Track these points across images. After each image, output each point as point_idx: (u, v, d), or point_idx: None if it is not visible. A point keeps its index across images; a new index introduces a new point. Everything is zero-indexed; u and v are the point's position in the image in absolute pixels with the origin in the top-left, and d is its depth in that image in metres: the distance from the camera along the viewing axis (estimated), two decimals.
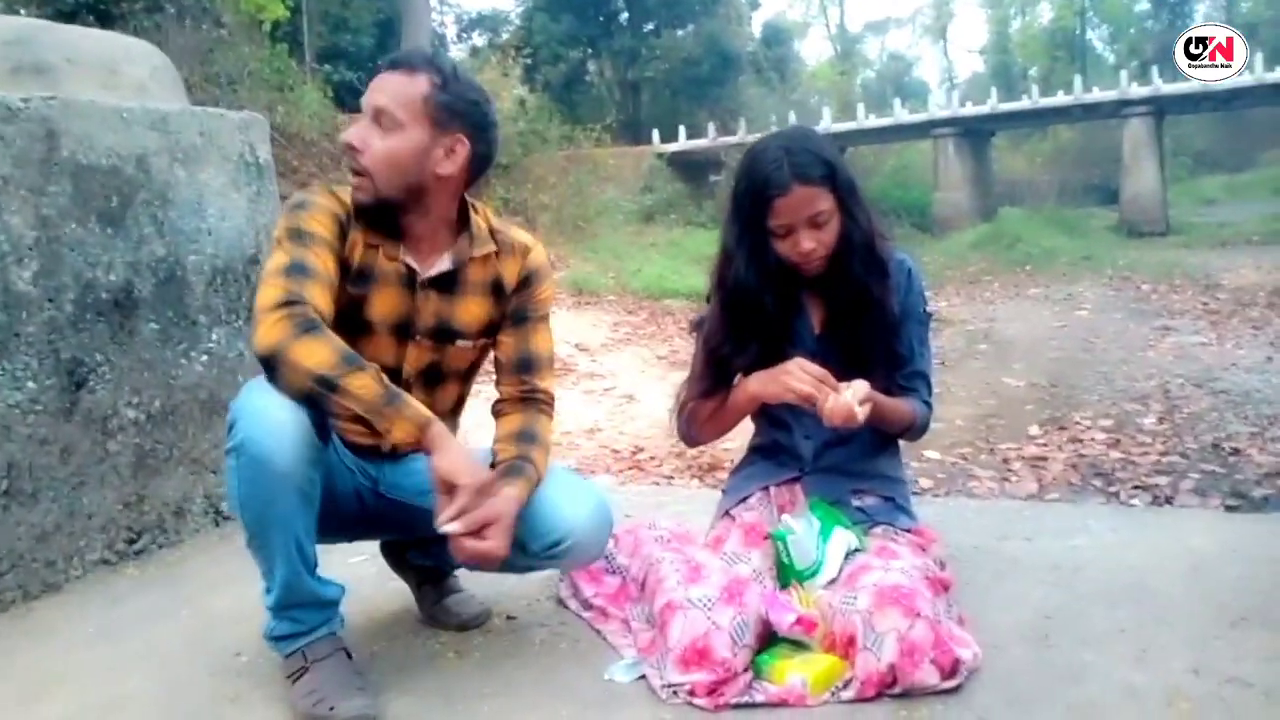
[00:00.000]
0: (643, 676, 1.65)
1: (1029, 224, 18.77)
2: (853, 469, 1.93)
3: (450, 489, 1.54)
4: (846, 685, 1.55)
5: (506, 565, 1.80)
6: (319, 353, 1.50)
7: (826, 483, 1.92)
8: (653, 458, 6.22)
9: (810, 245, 1.76)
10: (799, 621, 1.60)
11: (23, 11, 9.81)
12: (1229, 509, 4.98)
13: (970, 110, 23.92)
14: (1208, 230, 19.41)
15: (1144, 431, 6.58)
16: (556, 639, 1.86)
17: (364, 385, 1.50)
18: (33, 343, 2.23)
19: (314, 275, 1.59)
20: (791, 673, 1.55)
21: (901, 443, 2.00)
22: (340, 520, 1.76)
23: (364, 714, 1.59)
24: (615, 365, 8.95)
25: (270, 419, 1.50)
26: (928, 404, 1.95)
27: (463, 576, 2.00)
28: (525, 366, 1.83)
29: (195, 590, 2.25)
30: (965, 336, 9.52)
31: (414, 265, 1.74)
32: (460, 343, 1.80)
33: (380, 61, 1.71)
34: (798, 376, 1.74)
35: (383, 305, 1.73)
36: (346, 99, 17.39)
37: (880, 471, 1.97)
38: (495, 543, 1.55)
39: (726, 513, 1.96)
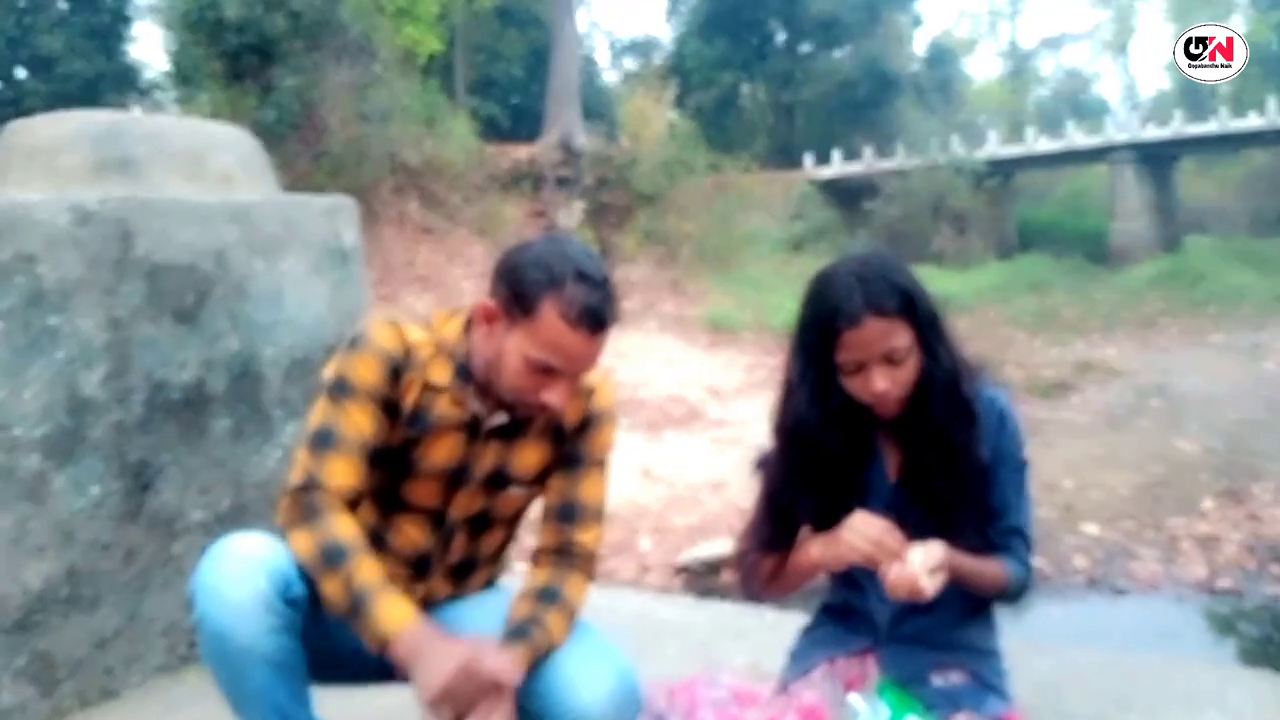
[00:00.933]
0: None
1: (1215, 257, 17.34)
2: (937, 639, 1.66)
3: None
4: None
5: None
6: (305, 545, 1.46)
7: (904, 656, 1.65)
8: None
9: (884, 385, 1.53)
10: None
11: (187, 50, 10.35)
12: None
13: (1151, 134, 22.42)
14: None
15: None
16: None
17: (332, 590, 1.44)
18: (99, 446, 2.21)
19: (339, 445, 1.52)
20: None
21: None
22: (356, 670, 1.63)
23: None
24: (747, 412, 8.69)
25: (225, 593, 1.44)
26: (1025, 564, 1.65)
27: None
28: (568, 515, 1.67)
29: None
30: (1135, 390, 8.81)
31: (480, 413, 1.60)
32: (513, 489, 1.67)
33: None
34: (854, 536, 1.51)
35: (438, 453, 1.60)
36: (495, 130, 17.86)
37: (969, 643, 1.68)
38: None
39: (786, 685, 1.71)
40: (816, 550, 1.60)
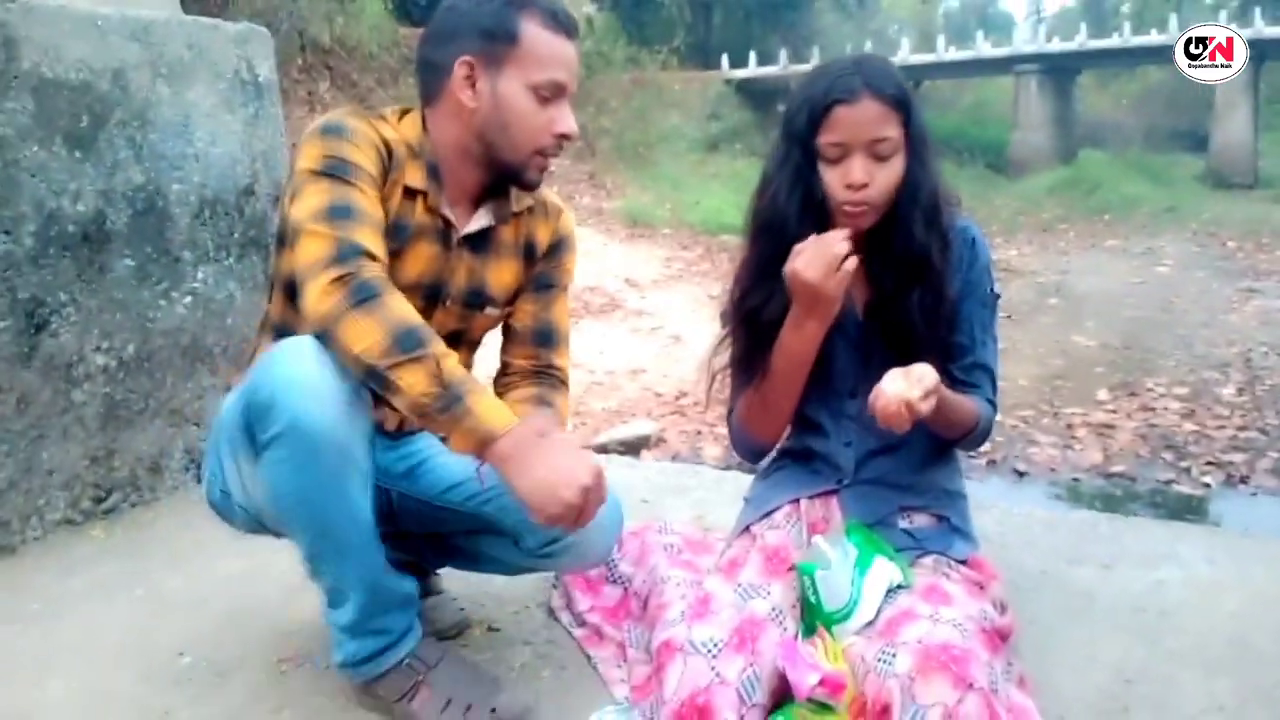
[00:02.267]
0: None
1: (1110, 169, 17.84)
2: (901, 482, 1.60)
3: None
4: None
5: (496, 565, 1.61)
6: (369, 334, 1.21)
7: (869, 498, 1.59)
8: (696, 403, 5.97)
9: (863, 177, 1.41)
10: (823, 682, 1.30)
11: None
12: None
13: (1057, 46, 22.70)
14: None
15: (1221, 403, 6.18)
16: (540, 664, 1.59)
17: (415, 381, 1.21)
18: None
19: (364, 218, 1.31)
20: None
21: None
22: None
23: (527, 705, 1.43)
24: (665, 303, 8.66)
25: (321, 389, 1.23)
26: (992, 404, 1.59)
27: (444, 575, 1.75)
28: (544, 339, 1.60)
29: (158, 563, 2.03)
30: (1035, 289, 9.05)
31: (451, 218, 1.46)
32: (489, 310, 1.56)
33: None
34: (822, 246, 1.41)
35: (416, 264, 1.45)
36: (410, 13, 16.99)
37: (935, 485, 1.64)
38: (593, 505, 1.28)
39: (747, 528, 1.65)
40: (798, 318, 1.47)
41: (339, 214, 1.29)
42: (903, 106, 1.43)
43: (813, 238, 1.43)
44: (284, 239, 1.38)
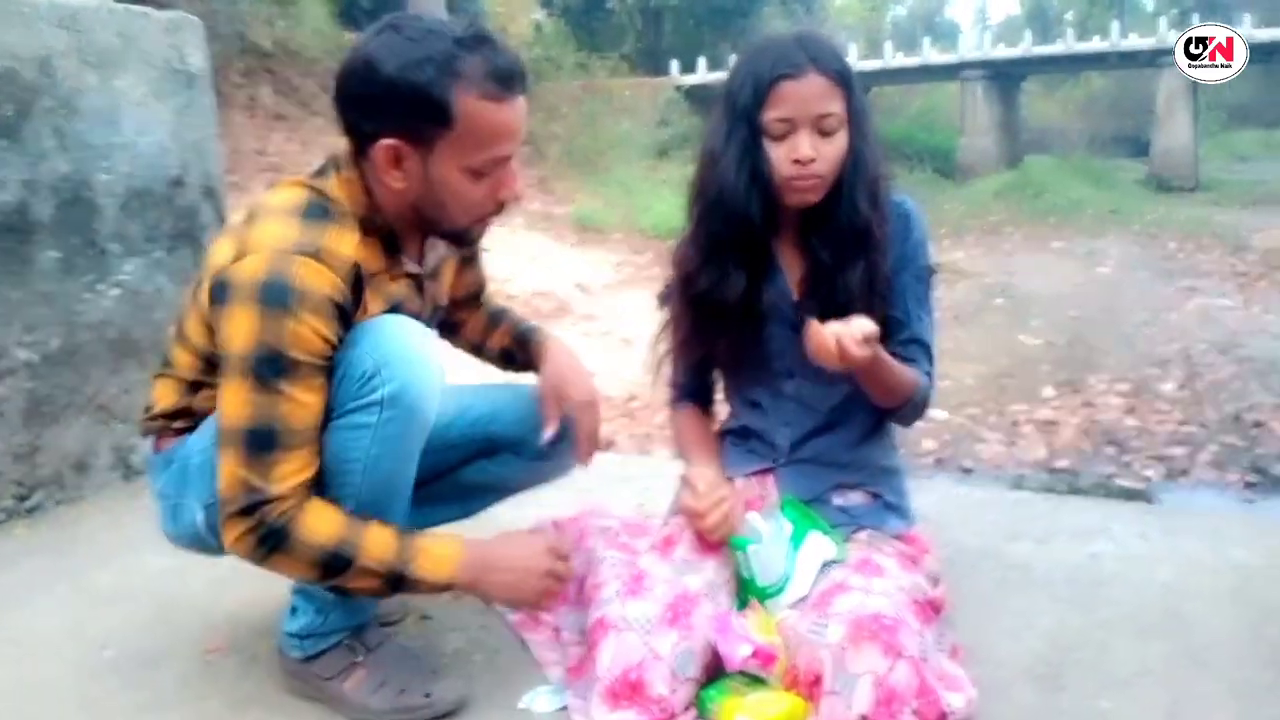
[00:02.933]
0: (565, 707, 1.37)
1: (1055, 173, 18.15)
2: (837, 460, 1.60)
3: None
4: None
5: (494, 491, 1.67)
6: (296, 569, 1.27)
7: (805, 476, 1.59)
8: (646, 406, 5.95)
9: (810, 152, 1.41)
10: (755, 654, 1.30)
11: None
12: (1249, 485, 4.70)
13: (1002, 53, 23.07)
14: (1239, 187, 18.74)
15: (1162, 398, 6.29)
16: (473, 649, 1.57)
17: (364, 585, 1.28)
18: None
19: (283, 442, 1.23)
20: (741, 715, 1.27)
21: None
22: None
23: (463, 692, 1.41)
24: (615, 307, 8.64)
25: (429, 365, 1.28)
26: (929, 375, 1.58)
27: None
28: (478, 297, 1.69)
29: (83, 560, 1.98)
30: (982, 290, 9.16)
31: (417, 270, 1.43)
32: (440, 312, 1.58)
33: None
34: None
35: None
36: (354, 17, 16.84)
37: (871, 462, 1.63)
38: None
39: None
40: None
41: (257, 443, 1.22)
42: (846, 82, 1.42)
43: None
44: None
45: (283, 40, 12.75)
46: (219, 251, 1.27)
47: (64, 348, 2.22)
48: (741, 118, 1.44)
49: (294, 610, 1.41)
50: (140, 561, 1.91)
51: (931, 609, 1.43)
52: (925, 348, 1.58)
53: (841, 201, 1.46)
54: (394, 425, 1.25)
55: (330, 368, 1.24)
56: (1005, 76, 22.82)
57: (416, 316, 1.40)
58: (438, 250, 1.49)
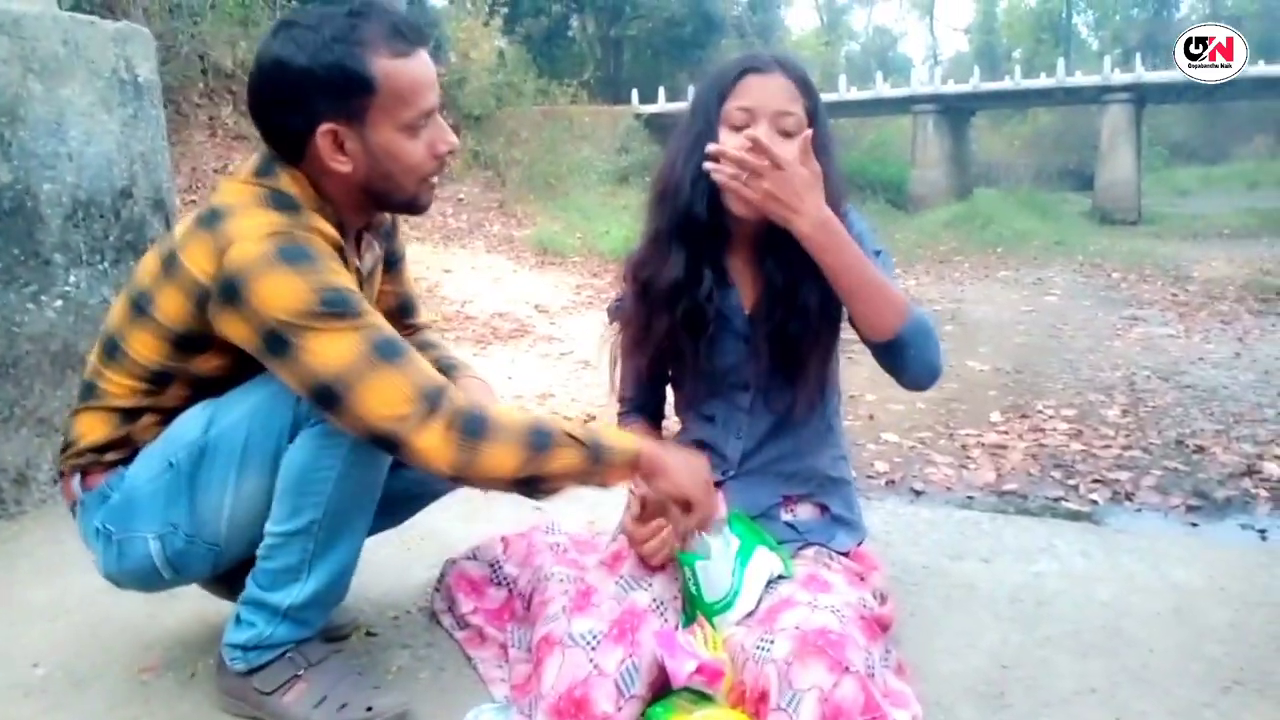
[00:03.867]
0: None
1: (1003, 205, 18.53)
2: (785, 470, 1.60)
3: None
4: None
5: (419, 495, 1.62)
6: (506, 458, 1.22)
7: (753, 488, 1.59)
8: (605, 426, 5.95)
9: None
10: (700, 670, 1.30)
11: None
12: (1190, 509, 4.79)
13: (952, 88, 23.62)
14: (1180, 221, 19.28)
15: (1107, 424, 6.41)
16: (418, 666, 1.55)
17: (569, 461, 1.26)
18: None
19: (405, 348, 1.22)
20: None
21: (848, 438, 1.69)
22: None
23: (404, 708, 1.38)
24: (574, 329, 8.62)
25: None
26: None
27: None
28: (407, 310, 1.66)
29: (19, 575, 1.92)
30: (931, 317, 9.31)
31: (359, 265, 1.44)
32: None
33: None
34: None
35: None
36: None
37: (818, 472, 1.63)
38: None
39: None
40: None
41: (389, 353, 1.20)
42: (808, 91, 1.44)
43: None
44: (192, 341, 1.28)
45: (245, 60, 12.66)
46: (194, 261, 1.23)
47: (4, 359, 2.17)
48: (700, 112, 1.46)
49: (239, 621, 1.38)
50: (77, 579, 1.86)
51: (878, 625, 1.44)
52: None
53: None
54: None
55: None
56: (955, 111, 23.33)
57: None
58: (374, 250, 1.49)
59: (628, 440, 1.34)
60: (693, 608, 1.44)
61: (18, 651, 1.60)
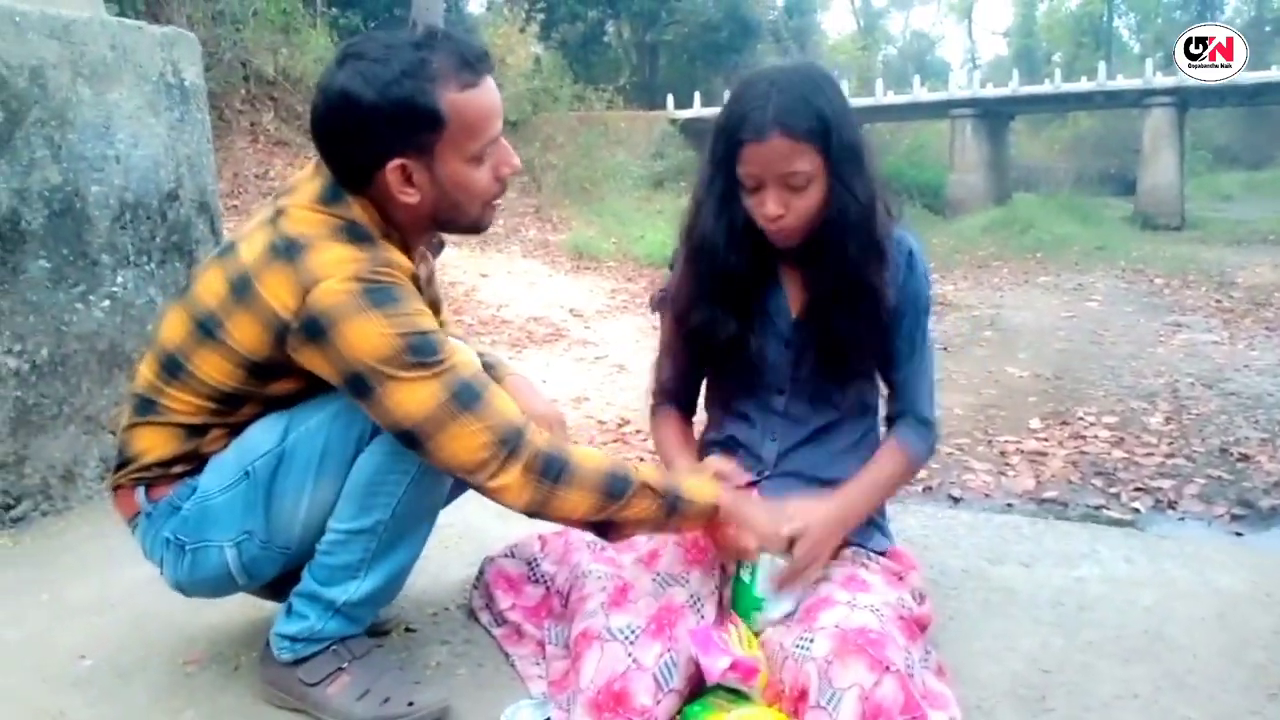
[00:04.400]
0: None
1: (1043, 210, 18.32)
2: (821, 475, 1.59)
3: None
4: None
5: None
6: (581, 502, 1.27)
7: (789, 490, 1.57)
8: (639, 431, 5.95)
9: (776, 210, 1.41)
10: (734, 666, 1.29)
11: None
12: (1234, 518, 4.70)
13: (990, 92, 23.41)
14: (1224, 226, 18.94)
15: (1149, 431, 6.31)
16: (456, 662, 1.56)
17: (644, 509, 1.31)
18: None
19: (485, 388, 1.24)
20: None
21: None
22: None
23: (445, 703, 1.39)
24: (609, 333, 8.65)
25: None
26: (926, 422, 1.60)
27: None
28: (435, 310, 1.64)
29: (64, 570, 1.96)
30: (970, 322, 9.21)
31: (417, 274, 1.44)
32: None
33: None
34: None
35: None
36: None
37: (854, 478, 1.64)
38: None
39: None
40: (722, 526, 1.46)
41: (467, 400, 1.21)
42: (818, 136, 1.39)
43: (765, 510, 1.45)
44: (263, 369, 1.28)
45: (285, 68, 12.85)
46: (274, 294, 1.22)
47: (52, 357, 2.22)
48: (719, 168, 1.46)
49: (291, 612, 1.39)
50: (121, 573, 1.89)
51: (917, 626, 1.43)
52: (926, 379, 1.61)
53: (826, 249, 1.46)
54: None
55: None
56: (994, 115, 23.12)
57: None
58: (428, 262, 1.50)
59: (707, 492, 1.37)
60: (737, 598, 1.43)
61: (65, 644, 1.63)
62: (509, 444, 1.22)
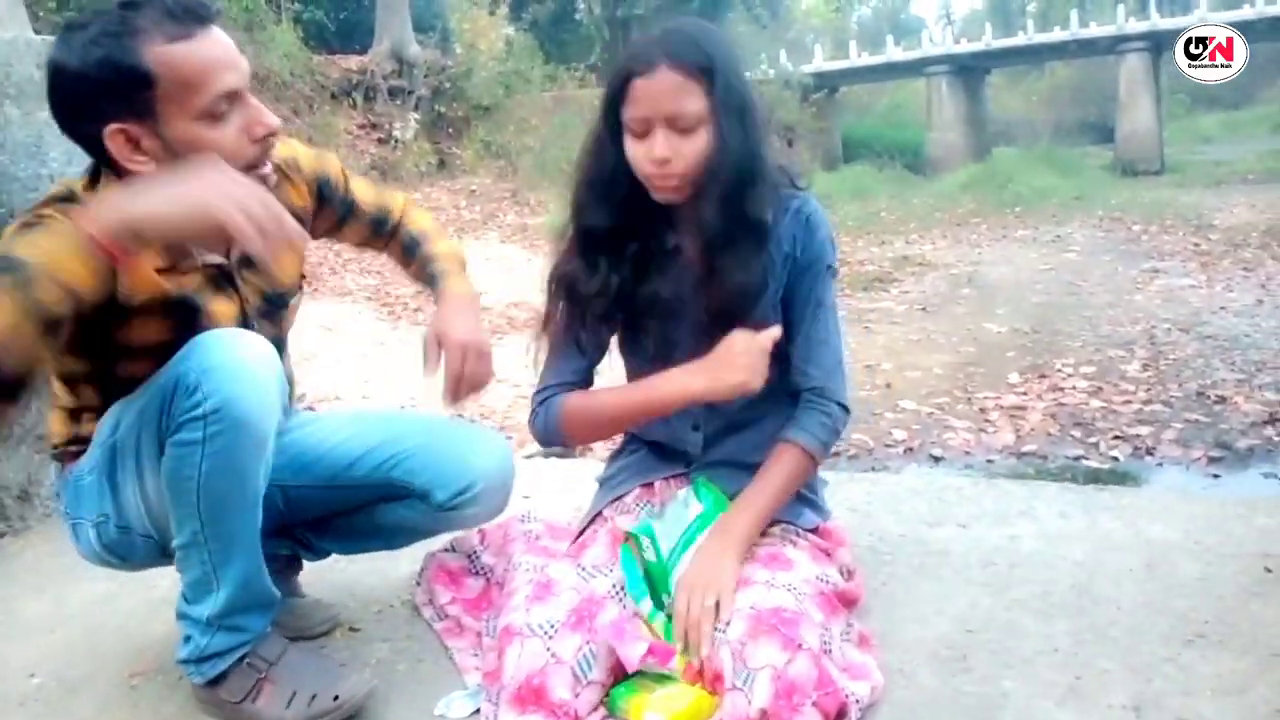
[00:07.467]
0: (479, 711, 1.39)
1: (1022, 164, 18.28)
2: (749, 460, 1.57)
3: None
4: None
5: (398, 534, 1.64)
6: None
7: (718, 478, 1.59)
8: None
9: (664, 153, 1.37)
10: (651, 651, 1.32)
11: None
12: (1212, 460, 4.74)
13: (965, 47, 23.36)
14: (1203, 168, 18.94)
15: (1127, 379, 6.35)
16: (396, 658, 1.59)
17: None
18: None
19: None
20: (649, 712, 1.29)
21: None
22: None
23: (369, 687, 1.42)
24: None
25: (255, 376, 1.24)
26: (829, 401, 1.53)
27: (310, 579, 1.74)
28: (381, 225, 1.72)
29: (19, 588, 1.98)
30: (948, 281, 9.22)
31: (215, 260, 1.45)
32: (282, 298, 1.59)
33: None
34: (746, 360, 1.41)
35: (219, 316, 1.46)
36: (323, 39, 16.85)
37: None
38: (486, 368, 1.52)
39: (600, 512, 1.66)
40: (699, 382, 1.45)
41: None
42: (706, 74, 1.37)
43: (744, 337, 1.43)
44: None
45: (253, 66, 12.78)
46: None
47: None
48: (608, 113, 1.44)
49: (183, 637, 1.40)
50: (78, 589, 1.92)
51: (841, 601, 1.46)
52: (828, 348, 1.55)
53: (703, 201, 1.43)
54: (222, 439, 1.22)
55: None
56: (969, 71, 23.06)
57: (241, 309, 1.43)
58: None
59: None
60: (657, 579, 1.44)
61: (16, 662, 1.66)
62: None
